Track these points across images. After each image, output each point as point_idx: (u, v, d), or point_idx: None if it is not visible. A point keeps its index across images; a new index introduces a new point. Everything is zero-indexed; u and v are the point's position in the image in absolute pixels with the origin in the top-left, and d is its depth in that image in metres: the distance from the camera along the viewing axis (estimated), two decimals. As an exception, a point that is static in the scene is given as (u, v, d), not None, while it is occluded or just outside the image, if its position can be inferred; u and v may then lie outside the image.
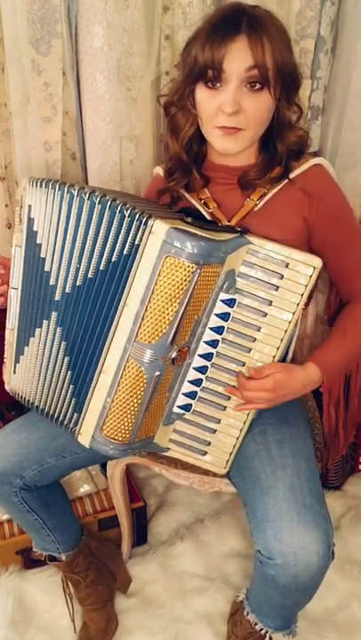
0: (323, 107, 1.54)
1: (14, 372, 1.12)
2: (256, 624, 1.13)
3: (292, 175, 1.06)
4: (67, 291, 0.99)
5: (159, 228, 0.88)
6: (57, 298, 1.00)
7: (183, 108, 1.05)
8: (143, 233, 0.90)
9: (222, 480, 1.17)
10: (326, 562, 0.95)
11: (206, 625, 1.34)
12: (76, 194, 0.96)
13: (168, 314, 0.90)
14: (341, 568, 1.47)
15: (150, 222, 0.89)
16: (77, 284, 0.98)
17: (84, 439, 1.02)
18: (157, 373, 0.93)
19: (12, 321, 1.11)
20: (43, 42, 1.28)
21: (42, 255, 1.01)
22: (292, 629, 1.14)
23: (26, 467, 1.13)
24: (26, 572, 1.47)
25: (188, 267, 0.87)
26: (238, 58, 0.95)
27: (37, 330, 1.05)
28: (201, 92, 1.00)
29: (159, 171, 1.20)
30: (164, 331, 0.91)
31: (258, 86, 0.97)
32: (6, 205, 1.44)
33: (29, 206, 1.03)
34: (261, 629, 1.13)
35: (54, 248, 1.00)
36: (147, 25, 1.36)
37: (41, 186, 1.00)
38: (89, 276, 0.96)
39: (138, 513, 1.52)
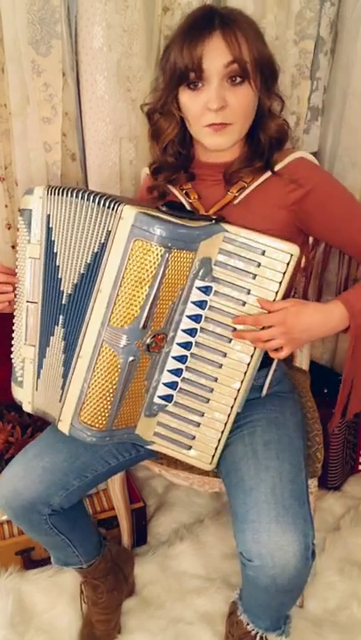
0: (322, 107, 1.54)
1: (36, 390, 1.09)
2: (248, 624, 1.13)
3: (275, 168, 1.06)
4: (69, 292, 1.00)
5: (128, 213, 0.90)
6: (64, 302, 1.01)
7: (167, 113, 1.07)
8: (113, 219, 0.92)
9: (222, 480, 1.17)
10: (305, 563, 0.93)
11: (206, 625, 1.34)
12: (82, 197, 0.97)
13: (139, 297, 0.91)
14: (341, 568, 1.47)
15: (120, 208, 0.91)
16: (75, 282, 0.99)
17: (64, 426, 1.02)
18: (131, 358, 0.94)
19: (29, 337, 1.07)
20: (42, 42, 1.28)
21: (57, 264, 1.02)
22: (284, 630, 1.12)
23: (53, 493, 1.09)
24: (25, 573, 1.46)
25: (157, 249, 0.89)
26: (216, 55, 0.97)
27: (51, 338, 1.04)
28: (185, 95, 1.03)
29: (147, 171, 1.21)
30: (135, 314, 0.92)
31: (238, 80, 0.99)
32: (6, 206, 1.43)
33: (48, 216, 1.02)
34: (253, 630, 1.13)
35: (64, 254, 1.01)
36: (146, 25, 1.37)
37: (60, 194, 1.00)
38: (82, 272, 0.98)
39: (137, 513, 1.52)
